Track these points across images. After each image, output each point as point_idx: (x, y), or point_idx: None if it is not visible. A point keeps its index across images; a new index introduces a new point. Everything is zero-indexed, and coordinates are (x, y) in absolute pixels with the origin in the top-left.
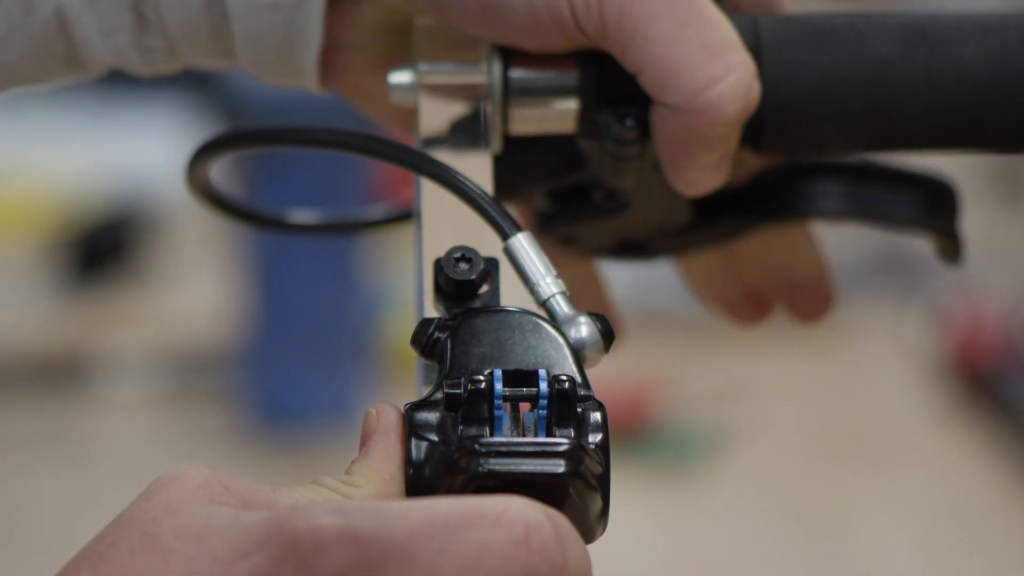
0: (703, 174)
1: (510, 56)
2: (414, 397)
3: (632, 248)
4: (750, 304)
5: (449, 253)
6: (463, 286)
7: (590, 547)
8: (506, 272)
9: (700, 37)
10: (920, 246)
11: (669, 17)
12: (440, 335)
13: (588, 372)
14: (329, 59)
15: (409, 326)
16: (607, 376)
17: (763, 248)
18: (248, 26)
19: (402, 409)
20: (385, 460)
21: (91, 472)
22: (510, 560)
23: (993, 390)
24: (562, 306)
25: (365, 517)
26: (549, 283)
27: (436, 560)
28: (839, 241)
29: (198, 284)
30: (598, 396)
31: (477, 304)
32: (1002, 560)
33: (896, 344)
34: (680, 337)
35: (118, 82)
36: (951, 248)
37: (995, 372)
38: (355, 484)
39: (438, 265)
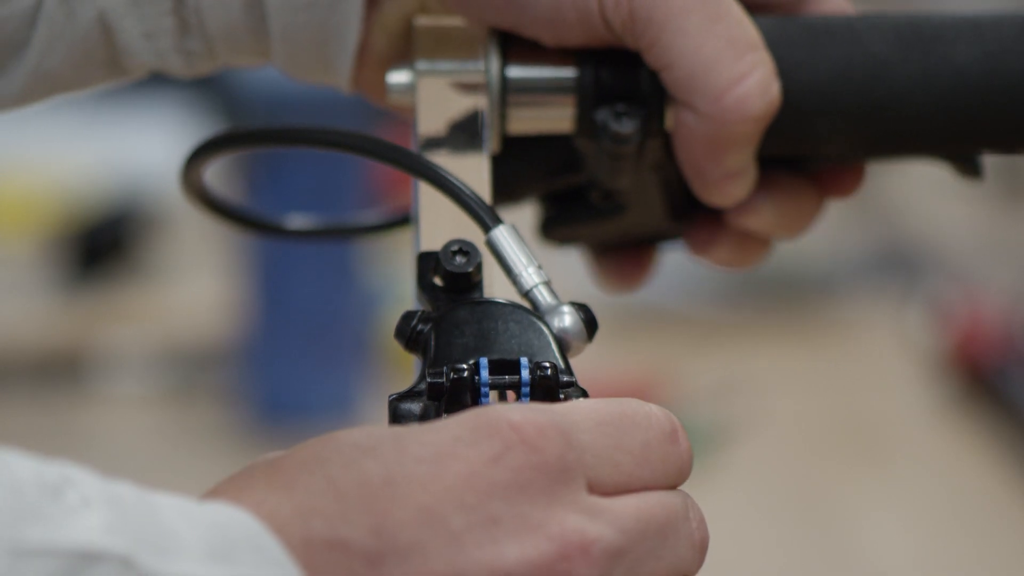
0: (731, 182)
1: (508, 55)
2: None
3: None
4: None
5: (446, 246)
6: (460, 279)
7: None
8: (491, 263)
9: (728, 34)
10: (921, 241)
11: (701, 12)
12: (423, 327)
13: (577, 361)
14: (359, 58)
15: None
16: (608, 371)
17: None
18: (285, 24)
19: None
20: None
21: (91, 467)
22: (667, 455)
23: (993, 386)
24: (545, 296)
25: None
26: (531, 273)
27: (615, 456)
28: (840, 237)
29: (198, 280)
30: (599, 391)
31: (476, 296)
32: (1002, 554)
33: (897, 340)
34: (682, 333)
35: None
36: (969, 168)
37: (995, 368)
38: None
39: (432, 258)
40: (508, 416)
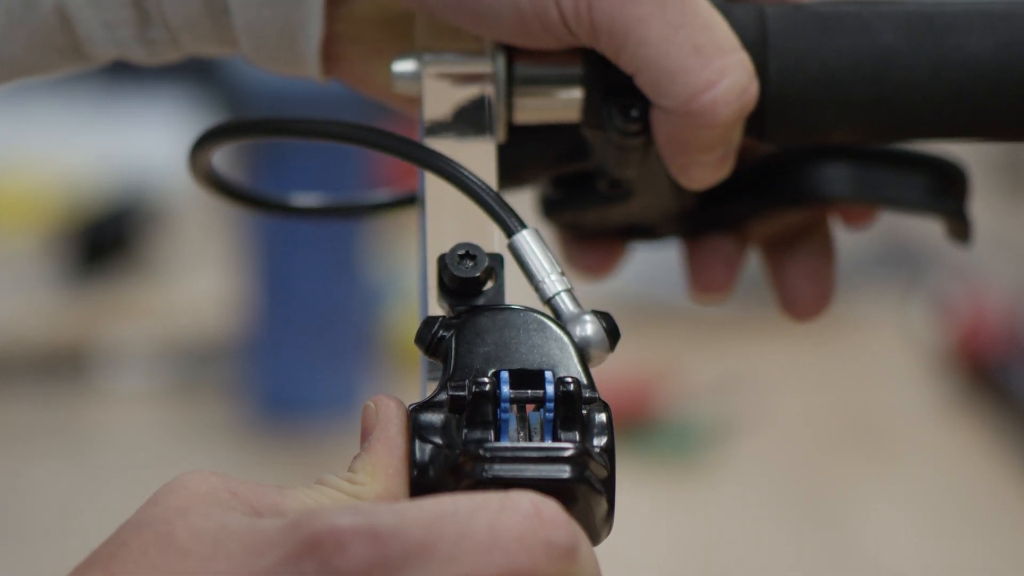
0: (704, 171)
1: (514, 46)
2: (418, 390)
3: (637, 232)
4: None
5: (453, 250)
6: (467, 283)
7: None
8: (511, 267)
9: (693, 40)
10: (924, 237)
11: (661, 20)
12: (444, 334)
13: (593, 370)
14: (329, 49)
15: (412, 319)
16: (611, 368)
17: (774, 223)
18: (248, 19)
19: (402, 401)
20: (387, 454)
21: (94, 464)
22: (526, 533)
23: (997, 381)
24: (567, 304)
25: (382, 515)
26: (554, 280)
27: (455, 549)
28: (843, 232)
29: (201, 276)
30: (602, 388)
31: (481, 301)
32: (1005, 550)
33: (900, 335)
34: (683, 329)
35: (121, 73)
36: (961, 229)
37: (999, 363)
38: (359, 481)
39: (442, 261)
40: (317, 523)
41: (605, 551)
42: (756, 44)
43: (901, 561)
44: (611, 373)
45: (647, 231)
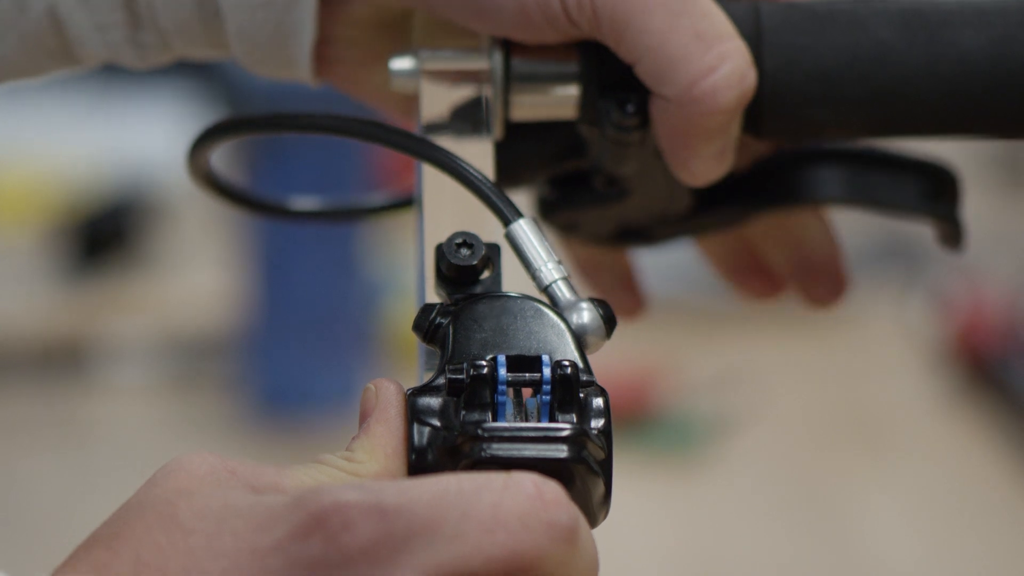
0: (706, 164)
1: (511, 43)
2: (416, 382)
3: (633, 235)
4: (761, 279)
5: (451, 239)
6: (464, 272)
7: (593, 532)
8: (508, 256)
9: (694, 27)
10: (922, 232)
11: (663, 8)
12: (442, 320)
13: (590, 357)
14: (323, 52)
15: (411, 312)
16: (610, 362)
17: (775, 228)
18: (241, 23)
19: (401, 384)
20: (386, 435)
21: (93, 457)
22: (528, 514)
23: (995, 376)
24: (564, 292)
25: (387, 492)
26: (551, 269)
27: (458, 528)
28: (842, 227)
29: (200, 270)
30: (600, 382)
31: (479, 289)
32: (1004, 545)
33: (899, 330)
34: (683, 323)
35: (119, 69)
36: (952, 234)
37: (997, 358)
38: (358, 460)
39: (439, 251)
40: (324, 499)
41: (604, 543)
42: (751, 40)
43: (899, 555)
44: (609, 367)
45: (644, 234)
